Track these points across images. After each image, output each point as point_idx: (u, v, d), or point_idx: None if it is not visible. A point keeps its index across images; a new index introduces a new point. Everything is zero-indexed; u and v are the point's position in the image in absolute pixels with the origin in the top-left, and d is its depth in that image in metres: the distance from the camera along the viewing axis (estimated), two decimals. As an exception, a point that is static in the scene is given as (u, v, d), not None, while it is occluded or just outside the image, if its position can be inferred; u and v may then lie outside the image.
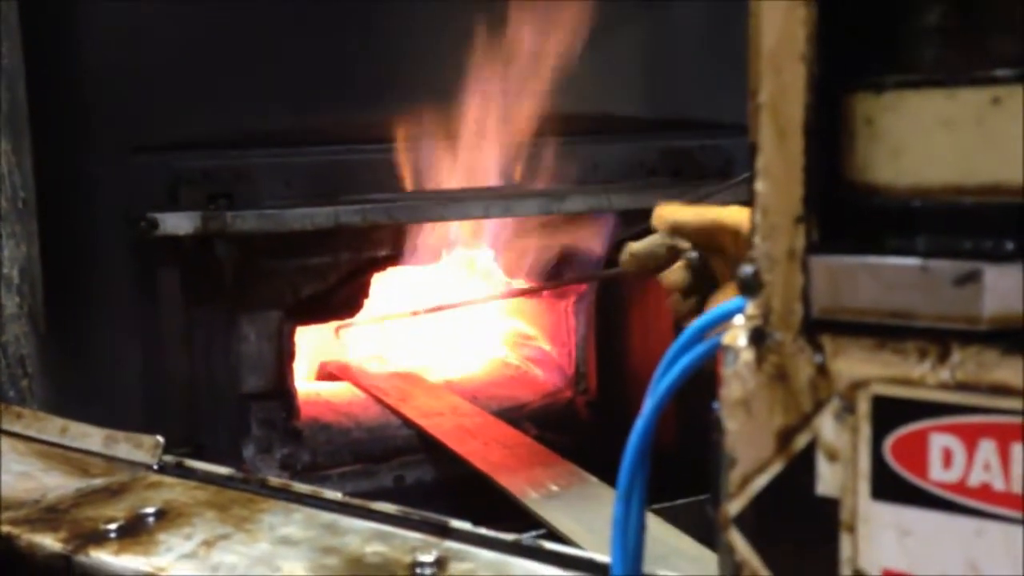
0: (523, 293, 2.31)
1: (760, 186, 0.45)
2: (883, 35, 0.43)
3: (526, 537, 0.86)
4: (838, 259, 0.44)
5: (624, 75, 2.24)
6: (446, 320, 2.40)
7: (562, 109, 2.15)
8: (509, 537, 0.87)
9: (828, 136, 0.44)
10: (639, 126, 2.31)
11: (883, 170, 0.43)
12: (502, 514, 2.03)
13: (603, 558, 0.82)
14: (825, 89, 0.44)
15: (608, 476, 1.93)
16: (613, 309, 2.34)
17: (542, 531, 1.70)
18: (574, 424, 2.35)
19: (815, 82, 0.43)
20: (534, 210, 2.04)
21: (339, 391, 2.40)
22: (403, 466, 2.21)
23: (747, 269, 0.47)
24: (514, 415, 2.30)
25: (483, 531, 0.88)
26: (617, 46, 2.21)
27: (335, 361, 2.46)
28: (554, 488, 1.81)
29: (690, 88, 2.32)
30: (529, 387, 2.46)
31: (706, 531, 1.52)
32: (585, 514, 1.71)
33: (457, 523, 0.90)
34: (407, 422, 2.21)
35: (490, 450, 2.04)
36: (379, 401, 2.30)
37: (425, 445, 2.21)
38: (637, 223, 2.21)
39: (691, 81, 2.32)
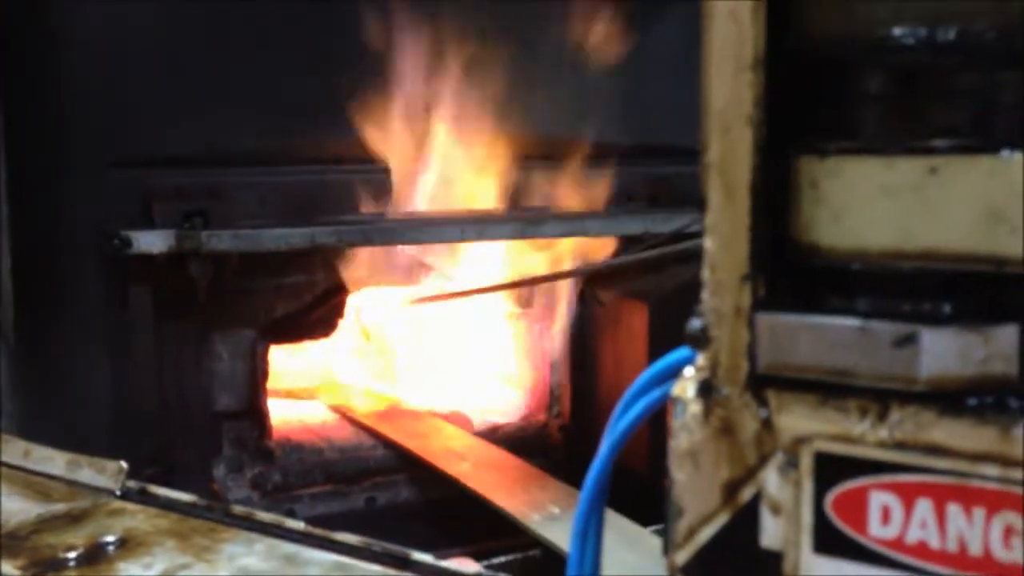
0: (528, 282, 2.31)
1: (708, 243, 0.46)
2: (828, 101, 0.44)
3: (486, 572, 0.87)
4: (782, 317, 0.45)
5: (601, 102, 2.25)
6: (423, 344, 2.39)
7: (540, 135, 2.17)
8: (471, 571, 0.87)
9: (774, 196, 0.45)
10: (616, 153, 2.33)
11: (826, 232, 0.44)
12: (478, 535, 2.03)
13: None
14: (772, 150, 0.45)
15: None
16: (587, 334, 2.35)
17: (539, 550, 1.70)
18: (547, 448, 2.36)
19: (762, 144, 0.44)
20: (509, 234, 2.05)
21: (312, 411, 2.39)
22: (375, 487, 2.21)
23: (695, 323, 0.48)
24: (488, 438, 2.30)
25: (445, 564, 0.88)
26: (594, 73, 2.22)
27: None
28: (555, 510, 1.80)
29: (667, 115, 2.34)
30: (503, 410, 2.46)
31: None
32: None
33: (418, 555, 0.90)
34: (394, 445, 2.20)
35: (482, 471, 2.03)
36: (360, 424, 2.30)
37: (398, 466, 2.21)
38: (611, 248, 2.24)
39: (668, 108, 2.33)
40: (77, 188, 1.90)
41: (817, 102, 0.44)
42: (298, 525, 0.97)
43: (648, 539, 1.67)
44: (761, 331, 0.46)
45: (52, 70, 1.86)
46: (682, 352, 0.60)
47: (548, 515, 1.78)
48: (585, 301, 2.31)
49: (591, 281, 2.30)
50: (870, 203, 0.43)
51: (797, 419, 0.46)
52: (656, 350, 2.13)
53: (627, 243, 2.19)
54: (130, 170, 1.91)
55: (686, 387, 0.50)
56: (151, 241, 1.81)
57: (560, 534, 1.70)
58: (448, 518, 2.14)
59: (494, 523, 1.91)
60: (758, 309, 0.46)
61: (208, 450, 2.09)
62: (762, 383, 0.46)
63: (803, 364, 0.45)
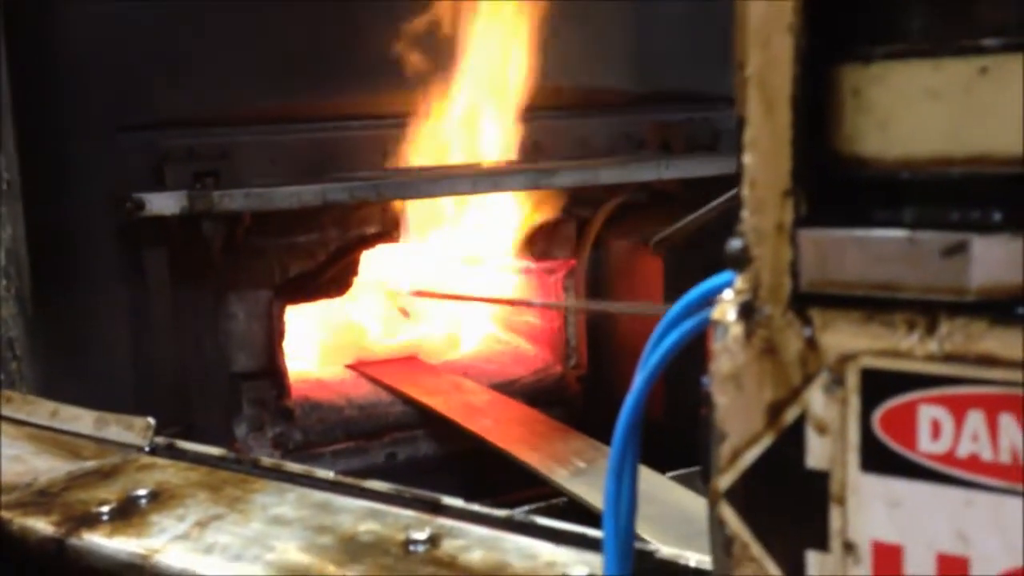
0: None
1: (748, 159, 0.45)
2: (870, 4, 0.43)
3: (518, 512, 0.87)
4: (826, 232, 0.44)
5: (611, 49, 2.23)
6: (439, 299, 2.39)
7: (549, 84, 2.15)
8: (501, 513, 0.87)
9: (816, 108, 0.44)
10: (626, 100, 2.31)
11: (871, 142, 0.43)
12: (497, 488, 2.04)
13: (597, 533, 0.82)
14: (812, 61, 0.43)
15: (600, 450, 1.94)
16: (602, 282, 2.34)
17: (562, 499, 1.70)
18: (565, 398, 2.36)
19: (803, 54, 0.43)
20: (522, 185, 2.03)
21: (330, 369, 2.39)
22: (395, 443, 2.22)
23: (735, 243, 0.47)
24: (506, 391, 2.31)
25: (475, 507, 0.88)
26: (604, 20, 2.19)
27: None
28: (580, 464, 1.80)
29: (677, 61, 2.31)
30: (520, 363, 2.46)
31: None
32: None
33: (449, 500, 0.90)
34: (414, 403, 2.21)
35: (505, 427, 2.03)
36: (378, 382, 2.30)
37: (417, 422, 2.22)
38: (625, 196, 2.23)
39: (678, 54, 2.31)
40: (87, 153, 1.89)
41: (858, 7, 0.43)
42: (327, 474, 0.97)
43: (671, 489, 1.67)
44: (804, 247, 0.45)
45: (59, 35, 1.84)
46: (712, 281, 0.59)
47: (574, 469, 1.79)
48: (600, 249, 2.30)
49: (604, 229, 2.29)
50: (917, 108, 0.41)
51: (842, 336, 0.45)
52: (672, 296, 2.13)
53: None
54: (140, 133, 1.90)
55: (726, 310, 0.49)
56: (164, 203, 1.81)
57: (587, 487, 1.70)
58: (468, 471, 2.15)
59: (515, 475, 1.92)
60: (801, 225, 0.45)
61: (228, 411, 2.10)
62: (805, 301, 0.46)
63: (848, 279, 0.44)
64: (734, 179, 1.58)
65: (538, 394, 2.33)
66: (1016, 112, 0.39)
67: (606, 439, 2.00)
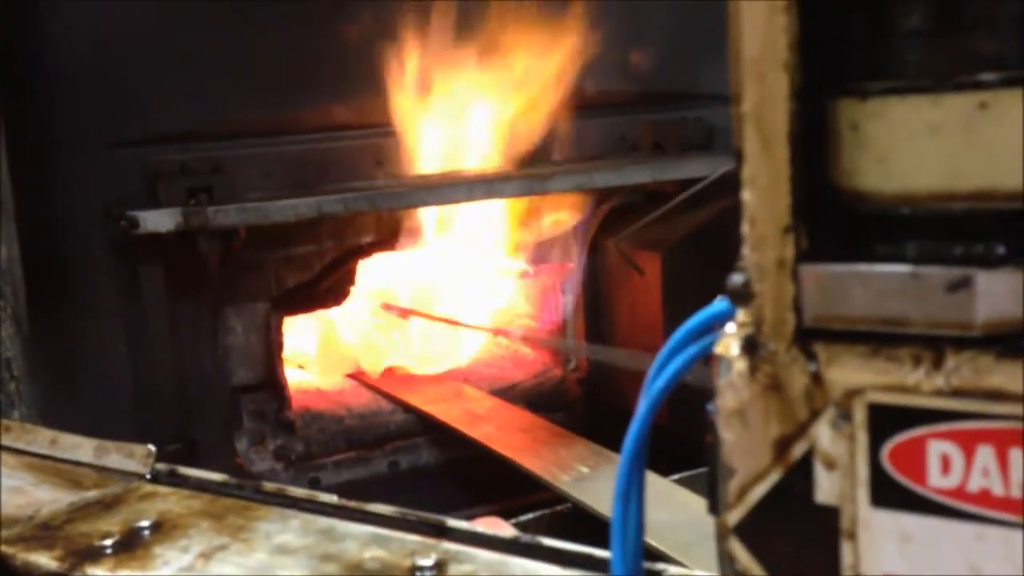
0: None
1: (747, 196, 0.44)
2: (866, 39, 0.42)
3: (523, 536, 0.86)
4: (828, 268, 0.44)
5: (603, 49, 2.22)
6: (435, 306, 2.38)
7: (542, 87, 2.14)
8: (506, 535, 0.86)
9: (814, 143, 0.43)
10: (619, 101, 2.30)
11: (870, 177, 0.42)
12: (500, 495, 2.04)
13: (602, 553, 0.82)
14: (809, 95, 0.43)
15: (602, 454, 1.94)
16: (600, 285, 2.34)
17: (566, 505, 1.70)
18: (565, 402, 2.36)
19: (798, 89, 0.42)
20: (517, 191, 2.03)
21: (329, 380, 2.39)
22: (397, 451, 2.21)
23: (736, 279, 0.47)
24: (505, 395, 2.30)
25: (480, 530, 0.88)
26: (596, 20, 2.19)
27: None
28: (584, 470, 1.80)
29: (669, 61, 2.31)
30: (520, 366, 2.46)
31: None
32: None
33: (454, 522, 0.90)
34: (415, 411, 2.21)
35: (507, 434, 2.03)
36: (378, 390, 2.30)
37: (417, 430, 2.21)
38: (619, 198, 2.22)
39: (670, 53, 2.30)
40: (79, 170, 1.89)
41: (854, 42, 0.42)
42: (331, 499, 0.97)
43: (676, 493, 1.67)
44: (806, 283, 0.44)
45: (49, 51, 1.83)
46: (714, 308, 0.58)
47: (577, 475, 1.79)
48: (597, 252, 2.30)
49: (602, 233, 2.28)
50: (916, 144, 0.41)
51: (848, 371, 0.44)
52: (670, 298, 2.13)
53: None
54: (132, 149, 1.90)
55: (729, 344, 0.48)
56: (158, 220, 1.80)
57: (591, 493, 1.70)
58: (471, 478, 2.15)
59: (516, 481, 1.92)
60: (802, 261, 0.44)
61: (229, 424, 2.10)
62: (810, 336, 0.45)
63: (852, 315, 0.44)
64: (730, 177, 1.57)
65: (538, 398, 2.33)
66: (1016, 147, 0.39)
67: (607, 442, 2.02)
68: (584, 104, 2.23)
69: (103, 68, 1.87)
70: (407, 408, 2.23)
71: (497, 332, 2.32)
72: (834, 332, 0.45)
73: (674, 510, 1.60)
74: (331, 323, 2.34)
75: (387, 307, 2.28)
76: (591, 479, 1.77)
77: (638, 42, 2.29)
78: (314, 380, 2.38)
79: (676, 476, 1.73)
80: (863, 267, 0.43)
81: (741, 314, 0.48)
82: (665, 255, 2.10)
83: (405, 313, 2.28)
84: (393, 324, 2.34)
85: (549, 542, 0.85)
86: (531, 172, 2.07)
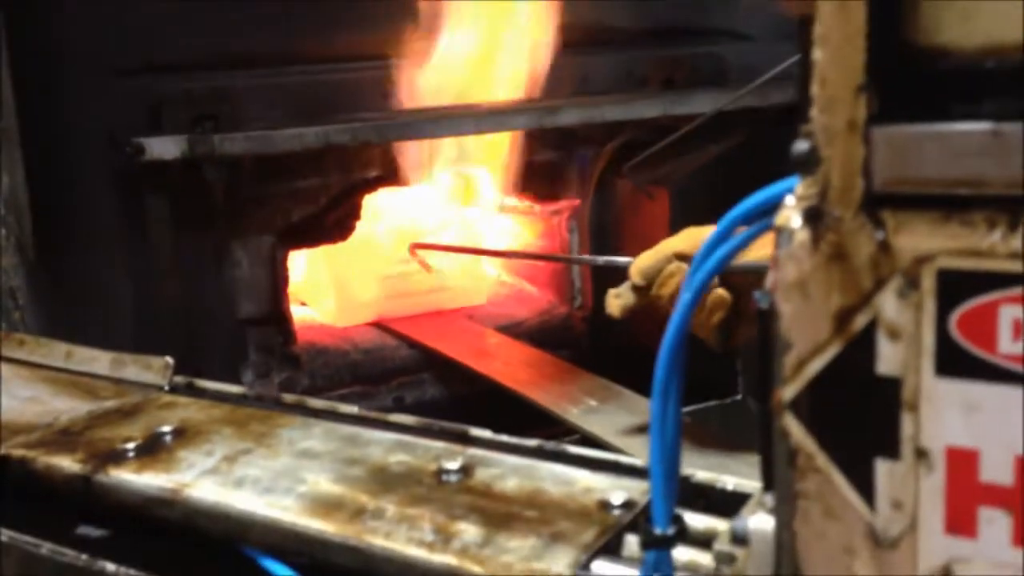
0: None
1: (818, 55, 0.43)
2: None
3: (548, 443, 0.86)
4: (903, 128, 0.43)
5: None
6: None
7: (551, 21, 2.11)
8: (532, 442, 0.86)
9: (891, -2, 0.42)
10: (628, 36, 2.27)
11: (952, 30, 0.41)
12: (506, 430, 2.04)
13: (631, 460, 0.82)
14: (889, -54, 0.42)
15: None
16: (607, 222, 2.33)
17: (574, 437, 1.70)
18: (571, 339, 2.35)
19: (878, -60, 0.41)
20: (526, 124, 2.01)
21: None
22: (402, 387, 2.21)
23: (802, 145, 0.45)
24: (511, 333, 2.30)
25: (504, 438, 0.88)
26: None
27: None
28: (592, 403, 1.80)
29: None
30: (525, 304, 2.45)
31: (734, 432, 1.53)
32: (632, 426, 1.68)
33: (477, 431, 0.90)
34: (420, 346, 2.20)
35: (513, 369, 2.02)
36: (384, 326, 2.29)
37: (423, 365, 2.21)
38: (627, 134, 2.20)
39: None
40: (84, 98, 1.86)
41: None
42: (352, 409, 0.96)
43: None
44: (878, 145, 0.43)
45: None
46: (753, 200, 0.57)
47: (586, 407, 1.79)
48: (604, 189, 2.28)
49: (607, 169, 2.27)
50: (1004, -8, 0.40)
51: (918, 238, 0.44)
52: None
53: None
54: (137, 77, 1.86)
55: (790, 215, 0.47)
56: (163, 147, 1.78)
57: (600, 425, 1.70)
58: (476, 413, 2.13)
59: (522, 415, 1.91)
60: (875, 122, 0.43)
61: (235, 358, 2.09)
62: (878, 202, 0.44)
63: (925, 177, 0.42)
64: (740, 113, 1.56)
65: (544, 336, 2.33)
66: (1112, -8, 0.38)
67: (613, 379, 2.00)
68: (594, 39, 2.20)
69: (106, -6, 1.83)
70: (412, 343, 2.23)
71: (531, 256, 2.30)
72: (904, 197, 0.44)
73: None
74: (348, 267, 2.31)
75: (416, 248, 2.23)
76: (599, 411, 1.77)
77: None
78: (319, 314, 2.37)
79: (687, 409, 1.73)
80: (940, 126, 0.42)
81: (801, 187, 0.47)
82: (673, 191, 2.09)
83: (433, 248, 2.21)
84: (415, 268, 2.28)
85: (575, 449, 0.84)
86: (540, 104, 2.04)
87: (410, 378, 2.23)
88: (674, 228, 2.13)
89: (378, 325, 2.30)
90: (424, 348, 2.20)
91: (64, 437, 0.92)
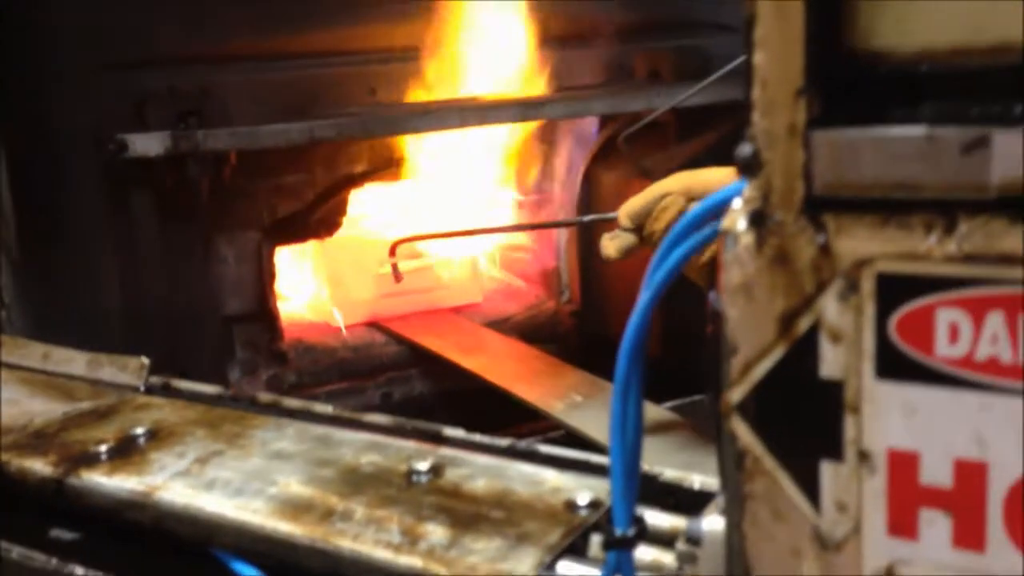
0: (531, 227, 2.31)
1: (758, 58, 0.43)
2: None
3: (519, 442, 0.86)
4: (841, 132, 0.43)
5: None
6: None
7: (537, 15, 2.11)
8: (503, 442, 0.86)
9: (829, 1, 0.42)
10: (614, 29, 2.27)
11: (887, 35, 0.41)
12: (493, 425, 2.04)
13: (598, 458, 0.82)
14: (825, -48, 0.42)
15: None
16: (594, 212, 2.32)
17: (560, 433, 1.70)
18: (559, 334, 2.36)
19: (814, -55, 0.41)
20: (512, 118, 2.00)
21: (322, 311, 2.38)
22: (390, 382, 2.22)
23: (746, 149, 0.46)
24: (499, 328, 2.30)
25: (477, 437, 0.88)
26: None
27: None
28: (577, 398, 1.80)
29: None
30: (514, 299, 2.46)
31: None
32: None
33: (451, 430, 0.90)
34: (408, 342, 2.20)
35: (500, 364, 2.02)
36: (372, 323, 2.29)
37: (411, 361, 2.21)
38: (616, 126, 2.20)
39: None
40: (67, 95, 1.85)
41: None
42: (326, 409, 0.97)
43: (667, 418, 1.67)
44: (818, 149, 0.43)
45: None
46: (714, 198, 0.57)
47: (571, 402, 1.79)
48: (590, 182, 2.28)
49: (594, 162, 2.26)
50: (936, -2, 0.40)
51: (857, 241, 0.44)
52: (664, 229, 2.11)
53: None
54: (120, 73, 1.86)
55: (736, 218, 0.47)
56: (147, 143, 1.78)
57: (585, 420, 1.70)
58: (463, 408, 2.15)
59: (509, 411, 1.92)
60: (814, 126, 0.43)
61: (221, 354, 2.09)
62: (819, 206, 0.44)
63: (864, 181, 0.43)
64: (726, 106, 1.57)
65: (532, 330, 2.33)
66: (1040, -2, 0.38)
67: (601, 374, 2.00)
68: (580, 33, 2.20)
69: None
70: (400, 339, 2.23)
71: (521, 228, 2.28)
72: (844, 201, 0.44)
73: (666, 437, 1.60)
74: (342, 267, 2.30)
75: (399, 244, 2.19)
76: (585, 407, 1.78)
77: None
78: (306, 312, 2.37)
79: (669, 404, 1.74)
80: (877, 130, 0.42)
81: (748, 190, 0.47)
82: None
83: (417, 239, 2.18)
84: (412, 266, 2.26)
85: (546, 448, 0.84)
86: (526, 98, 2.04)
87: (398, 374, 2.23)
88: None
89: (371, 324, 2.30)
90: (412, 344, 2.20)
91: (38, 440, 0.92)
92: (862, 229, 0.44)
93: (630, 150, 2.06)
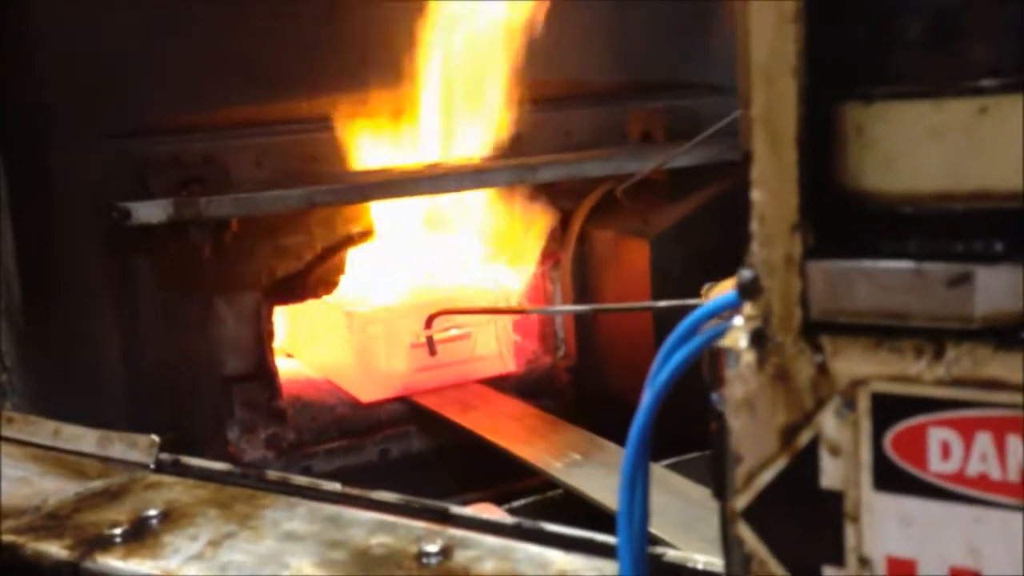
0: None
1: (756, 195, 0.46)
2: (871, 46, 0.44)
3: (526, 521, 0.88)
4: (835, 264, 0.46)
5: (590, 39, 2.24)
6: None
7: (531, 77, 2.15)
8: (510, 521, 0.88)
9: (820, 145, 0.45)
10: (606, 90, 2.32)
11: (875, 177, 0.44)
12: (490, 481, 2.06)
13: (606, 538, 0.84)
14: (816, 100, 0.45)
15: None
16: (588, 274, 2.36)
17: (558, 491, 1.72)
18: (555, 389, 2.38)
19: (806, 94, 0.44)
20: (508, 181, 2.04)
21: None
22: (387, 439, 2.23)
23: (746, 274, 0.49)
24: (495, 383, 2.32)
25: (484, 516, 0.90)
26: (582, 10, 2.20)
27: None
28: (575, 456, 1.81)
29: (656, 50, 2.33)
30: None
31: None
32: (615, 480, 1.69)
33: (457, 509, 0.92)
34: (406, 400, 2.21)
35: (497, 421, 2.04)
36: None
37: (408, 418, 2.23)
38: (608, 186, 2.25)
39: (657, 43, 2.32)
40: (71, 163, 1.89)
41: (859, 49, 0.44)
42: (335, 487, 0.99)
43: (669, 478, 1.70)
44: (813, 279, 0.46)
45: (39, 43, 1.83)
46: (718, 301, 0.61)
47: (570, 461, 1.81)
48: (584, 241, 2.32)
49: (589, 221, 2.30)
50: (919, 146, 0.43)
51: (853, 363, 0.47)
52: (658, 286, 2.15)
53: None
54: (123, 141, 1.90)
55: (738, 337, 0.50)
56: (150, 211, 1.81)
57: (583, 479, 1.72)
58: (462, 465, 2.17)
59: (507, 468, 1.94)
60: (809, 257, 0.46)
61: (221, 414, 2.11)
62: (816, 329, 0.47)
63: (857, 309, 0.46)
64: (717, 166, 1.61)
65: (528, 386, 2.35)
66: (1015, 150, 0.41)
67: (597, 429, 2.03)
68: (572, 93, 2.25)
69: (93, 60, 1.87)
70: (398, 397, 2.25)
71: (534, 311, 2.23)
72: (839, 325, 0.47)
73: (665, 494, 1.63)
74: (370, 339, 2.20)
75: (436, 317, 2.05)
76: (582, 465, 1.80)
77: (625, 31, 2.30)
78: (304, 369, 2.39)
79: (666, 461, 1.76)
80: (868, 263, 0.45)
81: (749, 308, 0.50)
82: (653, 243, 2.12)
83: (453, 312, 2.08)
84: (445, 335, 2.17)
85: (551, 527, 0.87)
86: (520, 162, 2.08)
87: (396, 431, 2.24)
88: (654, 279, 2.17)
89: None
90: (409, 401, 2.22)
91: (52, 522, 0.94)
92: (857, 351, 0.47)
93: (630, 203, 2.09)
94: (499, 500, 1.87)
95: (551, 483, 1.81)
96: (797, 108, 0.44)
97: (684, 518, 1.56)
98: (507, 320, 2.33)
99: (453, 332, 2.21)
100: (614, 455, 1.80)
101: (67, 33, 1.85)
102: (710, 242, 2.04)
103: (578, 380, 2.38)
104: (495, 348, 2.31)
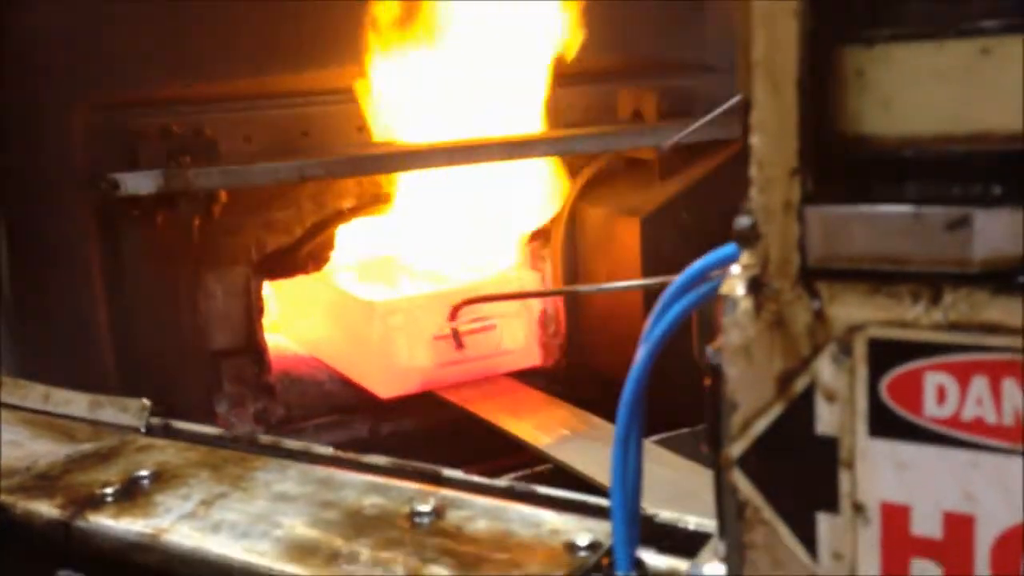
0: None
1: (756, 140, 0.46)
2: (873, -12, 0.44)
3: (518, 483, 0.89)
4: (833, 209, 0.46)
5: (584, 18, 2.23)
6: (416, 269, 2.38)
7: (524, 56, 2.15)
8: (502, 483, 0.89)
9: (820, 89, 0.45)
10: (599, 69, 2.31)
11: (874, 122, 0.44)
12: (480, 458, 2.06)
13: (596, 500, 0.85)
14: (817, 43, 0.45)
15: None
16: (579, 252, 2.36)
17: (547, 466, 1.72)
18: (545, 368, 2.38)
19: (808, 37, 0.44)
20: (499, 157, 2.04)
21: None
22: (377, 415, 2.23)
23: (744, 221, 0.49)
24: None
25: (476, 479, 0.90)
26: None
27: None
28: (565, 432, 1.82)
29: (649, 29, 2.32)
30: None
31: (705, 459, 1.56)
32: (605, 455, 1.70)
33: (449, 472, 0.92)
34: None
35: (488, 398, 2.04)
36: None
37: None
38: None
39: (650, 22, 2.32)
40: (60, 134, 1.88)
41: (862, -9, 0.44)
42: (327, 450, 0.99)
43: (655, 451, 1.70)
44: (812, 224, 0.46)
45: (27, 13, 1.82)
46: (711, 257, 0.61)
47: (559, 437, 1.81)
48: (576, 219, 2.31)
49: (581, 199, 2.30)
50: (920, 88, 0.43)
51: (849, 308, 0.47)
52: (648, 264, 2.15)
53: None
54: (112, 112, 1.88)
55: (735, 284, 0.50)
56: (139, 182, 1.80)
57: (573, 454, 1.73)
58: (451, 441, 2.17)
59: (497, 444, 1.94)
60: (808, 203, 0.46)
61: (210, 388, 2.10)
62: (813, 275, 0.47)
63: (855, 254, 0.46)
64: (708, 145, 1.61)
65: (519, 363, 2.36)
66: (1016, 91, 0.41)
67: (587, 407, 2.03)
68: (564, 72, 2.24)
69: (84, 31, 1.85)
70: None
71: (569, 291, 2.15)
72: (837, 271, 0.47)
73: (653, 470, 1.63)
74: (390, 333, 2.10)
75: (461, 307, 1.98)
76: (572, 440, 1.80)
77: (618, 10, 2.30)
78: (293, 344, 2.39)
79: (655, 437, 1.77)
80: (866, 208, 0.45)
81: (746, 256, 0.51)
82: (644, 221, 2.12)
83: (478, 300, 1.97)
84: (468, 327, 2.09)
85: (544, 489, 0.87)
86: (512, 138, 2.08)
87: (386, 408, 2.24)
88: (645, 257, 2.17)
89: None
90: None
91: (43, 482, 0.94)
92: (854, 297, 0.47)
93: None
94: (488, 475, 1.87)
95: (541, 458, 1.82)
96: (798, 51, 0.44)
97: (673, 492, 1.57)
98: (535, 310, 2.25)
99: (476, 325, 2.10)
100: (603, 431, 1.81)
101: (56, 5, 1.83)
102: (701, 221, 2.05)
103: (568, 358, 2.39)
104: (522, 341, 2.20)
